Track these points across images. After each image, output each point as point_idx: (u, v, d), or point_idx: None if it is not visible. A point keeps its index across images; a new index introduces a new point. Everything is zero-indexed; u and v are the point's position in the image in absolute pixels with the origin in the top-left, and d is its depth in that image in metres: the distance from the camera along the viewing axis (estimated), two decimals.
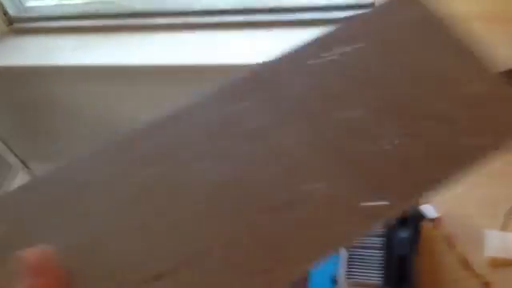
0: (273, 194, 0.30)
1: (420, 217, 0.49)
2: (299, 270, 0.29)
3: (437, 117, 0.34)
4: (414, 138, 0.33)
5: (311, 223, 0.30)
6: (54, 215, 0.31)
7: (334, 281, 0.47)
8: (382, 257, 0.47)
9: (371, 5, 1.01)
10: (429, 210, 0.48)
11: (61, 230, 0.31)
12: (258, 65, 0.34)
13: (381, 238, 0.48)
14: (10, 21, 1.28)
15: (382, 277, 0.46)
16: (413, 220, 0.48)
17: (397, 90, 0.35)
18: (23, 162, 1.54)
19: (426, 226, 0.50)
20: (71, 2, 1.27)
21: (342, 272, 0.47)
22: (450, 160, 0.32)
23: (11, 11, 1.27)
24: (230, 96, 0.34)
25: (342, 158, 0.32)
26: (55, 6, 1.28)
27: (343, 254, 0.48)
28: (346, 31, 0.36)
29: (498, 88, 0.35)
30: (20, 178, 1.55)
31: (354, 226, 0.29)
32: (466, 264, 0.45)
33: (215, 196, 0.30)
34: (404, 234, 0.48)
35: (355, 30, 0.36)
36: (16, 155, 1.52)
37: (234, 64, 1.11)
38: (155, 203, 0.30)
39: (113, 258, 0.30)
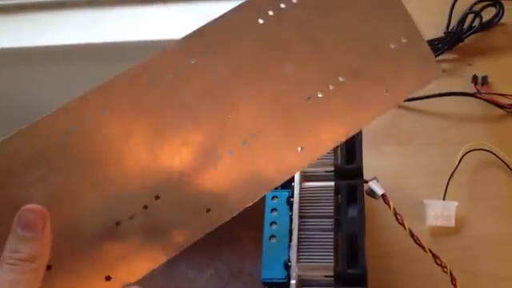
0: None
1: (368, 194, 0.49)
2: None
3: (356, 72, 0.40)
4: (335, 91, 0.39)
5: None
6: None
7: (287, 266, 0.46)
8: (332, 238, 0.47)
9: None
10: (376, 186, 0.48)
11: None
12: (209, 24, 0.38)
13: (330, 219, 0.48)
14: None
15: (333, 257, 0.46)
16: (361, 198, 0.48)
17: (328, 47, 0.40)
18: None
19: (371, 199, 0.50)
20: None
21: (293, 256, 0.46)
22: (363, 110, 0.40)
23: None
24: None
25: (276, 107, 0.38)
26: None
27: (294, 238, 0.47)
28: None
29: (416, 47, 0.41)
30: None
31: None
32: (416, 238, 0.46)
33: None
34: (353, 212, 0.47)
35: None
36: None
37: (154, 40, 1.07)
38: None
39: None
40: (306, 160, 0.39)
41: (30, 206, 0.33)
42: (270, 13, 0.39)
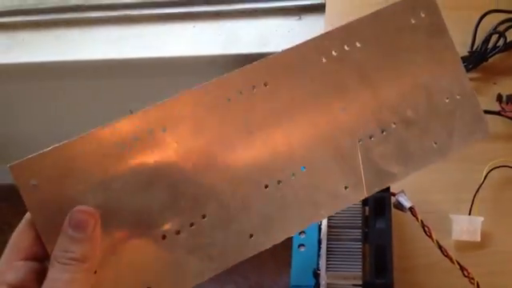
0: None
1: (396, 207, 0.49)
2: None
3: (409, 121, 0.41)
4: (386, 137, 0.41)
5: None
6: None
7: (316, 274, 0.47)
8: (360, 248, 0.48)
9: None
10: (403, 199, 0.49)
11: None
12: (275, 55, 0.39)
13: (358, 230, 0.49)
14: None
15: (361, 267, 0.47)
16: (388, 210, 0.49)
17: (385, 93, 0.41)
18: None
19: (398, 213, 0.51)
20: None
21: (322, 264, 0.47)
22: (412, 159, 0.42)
23: None
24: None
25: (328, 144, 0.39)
26: None
27: (323, 247, 0.48)
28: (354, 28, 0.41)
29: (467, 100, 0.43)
30: None
31: None
32: (444, 250, 0.47)
33: None
34: (381, 224, 0.48)
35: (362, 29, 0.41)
36: None
37: (178, 56, 1.09)
38: None
39: None
40: (348, 200, 0.40)
41: (81, 207, 0.33)
42: (334, 53, 0.40)
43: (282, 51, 0.38)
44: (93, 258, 0.33)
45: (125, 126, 0.35)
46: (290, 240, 0.49)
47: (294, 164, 0.38)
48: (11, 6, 1.18)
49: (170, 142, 0.36)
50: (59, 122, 1.29)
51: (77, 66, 1.14)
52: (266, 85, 0.38)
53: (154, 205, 0.36)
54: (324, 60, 0.39)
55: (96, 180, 0.34)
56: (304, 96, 0.39)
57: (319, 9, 1.05)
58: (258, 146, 0.37)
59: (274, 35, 1.08)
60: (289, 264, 0.49)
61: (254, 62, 0.38)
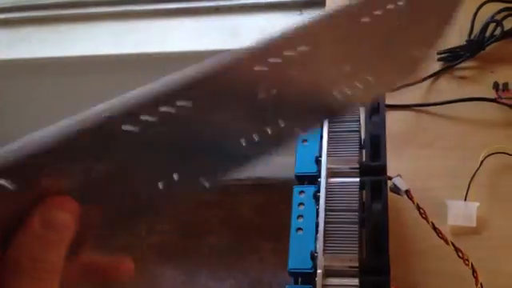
0: None
1: (392, 190, 0.50)
2: None
3: None
4: None
5: None
6: None
7: (313, 257, 0.48)
8: (357, 230, 0.48)
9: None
10: (400, 182, 0.50)
11: None
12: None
13: (355, 213, 0.50)
14: None
15: (358, 249, 0.47)
16: (385, 193, 0.50)
17: None
18: None
19: (394, 198, 0.52)
20: None
21: (319, 247, 0.48)
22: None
23: None
24: None
25: None
26: None
27: (320, 230, 0.48)
28: None
29: None
30: None
31: None
32: (439, 231, 0.47)
33: None
34: (377, 206, 0.49)
35: None
36: None
37: (184, 51, 1.10)
38: None
39: None
40: None
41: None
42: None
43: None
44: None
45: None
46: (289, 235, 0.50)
47: None
48: (15, 1, 1.19)
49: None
50: (61, 118, 1.30)
51: (80, 61, 1.15)
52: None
53: None
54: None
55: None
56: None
57: (320, 3, 1.05)
58: None
59: (275, 29, 1.08)
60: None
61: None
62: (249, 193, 1.48)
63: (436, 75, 0.69)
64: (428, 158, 0.63)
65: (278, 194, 1.45)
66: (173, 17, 1.15)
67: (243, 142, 0.32)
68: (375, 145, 0.52)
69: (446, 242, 0.48)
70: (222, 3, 1.12)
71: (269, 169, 1.36)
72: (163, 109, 0.29)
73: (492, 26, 0.70)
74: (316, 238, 0.49)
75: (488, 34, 0.70)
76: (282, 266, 0.49)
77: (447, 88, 0.69)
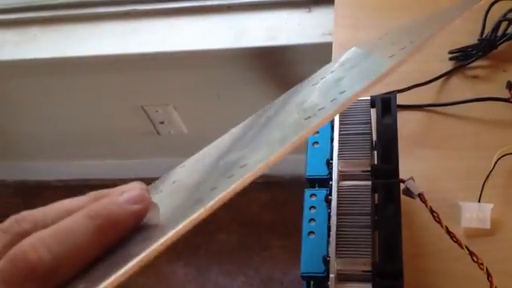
0: None
1: (405, 193, 0.50)
2: None
3: None
4: None
5: None
6: None
7: (326, 261, 0.47)
8: (370, 234, 0.48)
9: None
10: (412, 185, 0.49)
11: None
12: None
13: (367, 217, 0.49)
14: None
15: (371, 253, 0.47)
16: (398, 196, 0.49)
17: None
18: None
19: (406, 200, 0.52)
20: None
21: (332, 251, 0.47)
22: None
23: None
24: None
25: None
26: None
27: (333, 234, 0.48)
28: None
29: None
30: None
31: None
32: (453, 235, 0.47)
33: None
34: (390, 210, 0.49)
35: None
36: None
37: (188, 50, 1.10)
38: None
39: None
40: None
41: None
42: None
43: None
44: None
45: None
46: (300, 232, 0.50)
47: None
48: (22, 2, 1.19)
49: None
50: (69, 118, 1.30)
51: (86, 61, 1.15)
52: None
53: None
54: None
55: None
56: None
57: (329, 0, 1.05)
58: None
59: (284, 28, 1.08)
60: (299, 256, 0.50)
61: None
62: (258, 190, 1.48)
63: (448, 75, 0.68)
64: (440, 159, 0.62)
65: (286, 191, 1.45)
66: (181, 15, 1.15)
67: None
68: (387, 147, 0.52)
69: (461, 246, 0.47)
70: (231, 1, 1.12)
71: (277, 166, 1.35)
72: None
73: (504, 24, 0.69)
74: (328, 242, 0.48)
75: (500, 32, 0.69)
76: (293, 263, 0.49)
77: (459, 88, 0.68)
